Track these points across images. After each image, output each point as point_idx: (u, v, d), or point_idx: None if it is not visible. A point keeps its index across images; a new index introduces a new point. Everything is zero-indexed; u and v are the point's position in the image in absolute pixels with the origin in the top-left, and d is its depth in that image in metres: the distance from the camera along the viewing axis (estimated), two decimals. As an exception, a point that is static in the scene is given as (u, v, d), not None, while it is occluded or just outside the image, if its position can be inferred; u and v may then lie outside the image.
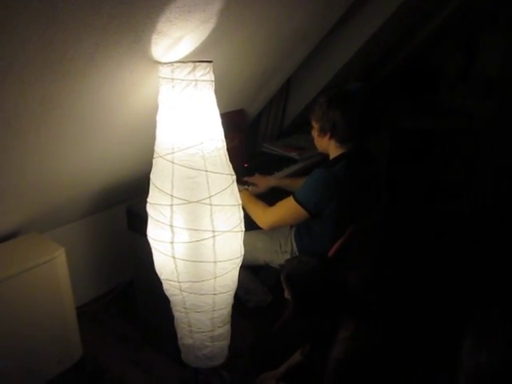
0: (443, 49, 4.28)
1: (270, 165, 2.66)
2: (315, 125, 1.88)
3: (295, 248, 2.00)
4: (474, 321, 0.77)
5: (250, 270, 2.22)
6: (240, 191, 1.96)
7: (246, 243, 1.54)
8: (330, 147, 1.88)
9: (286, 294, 1.57)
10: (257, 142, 3.04)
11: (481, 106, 3.98)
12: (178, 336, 1.66)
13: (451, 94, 4.27)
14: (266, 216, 1.86)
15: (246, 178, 2.24)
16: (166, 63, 1.33)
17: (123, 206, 2.03)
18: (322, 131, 1.84)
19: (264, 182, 2.20)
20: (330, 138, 1.84)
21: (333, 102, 1.79)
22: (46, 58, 1.12)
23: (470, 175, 3.95)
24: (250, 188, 2.17)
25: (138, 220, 1.87)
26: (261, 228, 1.94)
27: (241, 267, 1.58)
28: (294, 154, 2.78)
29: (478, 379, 0.71)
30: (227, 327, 1.64)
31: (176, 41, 1.37)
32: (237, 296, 1.62)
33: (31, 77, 1.15)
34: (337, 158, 1.85)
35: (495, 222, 3.41)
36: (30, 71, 1.13)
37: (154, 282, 1.60)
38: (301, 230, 1.99)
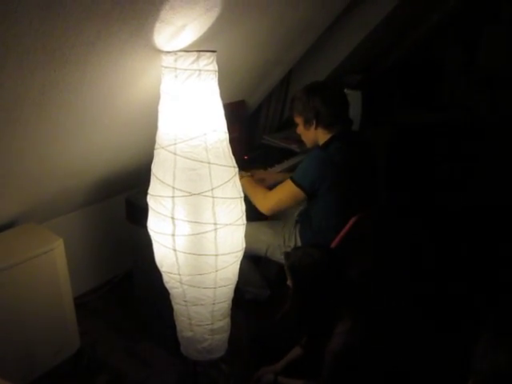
0: (444, 43, 4.25)
1: (269, 157, 2.65)
2: (299, 119, 1.94)
3: (299, 244, 2.00)
4: (488, 321, 0.75)
5: (251, 261, 2.21)
6: (243, 177, 1.96)
7: (249, 234, 1.54)
8: (318, 136, 1.92)
9: (289, 282, 1.57)
10: (256, 134, 3.02)
11: (481, 101, 3.96)
12: (178, 328, 1.65)
13: (452, 88, 4.25)
14: (266, 200, 1.89)
15: (252, 173, 2.23)
16: (168, 52, 1.30)
17: (122, 196, 2.01)
18: (307, 122, 1.90)
19: (272, 178, 2.19)
20: (316, 126, 1.89)
21: (310, 92, 1.88)
22: (47, 44, 1.09)
23: (470, 170, 3.94)
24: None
25: (137, 211, 1.85)
26: (264, 219, 1.93)
27: (242, 258, 1.57)
28: (294, 147, 2.76)
29: (496, 379, 0.70)
30: (227, 320, 1.63)
31: (179, 29, 1.34)
32: (235, 286, 1.61)
33: (31, 64, 1.12)
34: (328, 141, 1.89)
35: (494, 217, 3.41)
36: (30, 58, 1.10)
37: (153, 273, 1.58)
38: (304, 223, 1.99)
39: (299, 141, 2.80)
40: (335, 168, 1.80)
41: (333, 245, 1.84)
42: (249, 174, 2.08)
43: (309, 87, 1.92)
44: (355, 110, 3.10)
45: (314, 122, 1.88)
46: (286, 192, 1.87)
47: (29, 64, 1.12)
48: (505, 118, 3.73)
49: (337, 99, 1.90)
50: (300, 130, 1.97)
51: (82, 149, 1.71)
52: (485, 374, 0.72)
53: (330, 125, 1.88)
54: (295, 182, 1.84)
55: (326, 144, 1.88)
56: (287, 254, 1.59)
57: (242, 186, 1.92)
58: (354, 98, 3.09)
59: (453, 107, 4.15)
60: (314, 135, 1.93)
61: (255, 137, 3.01)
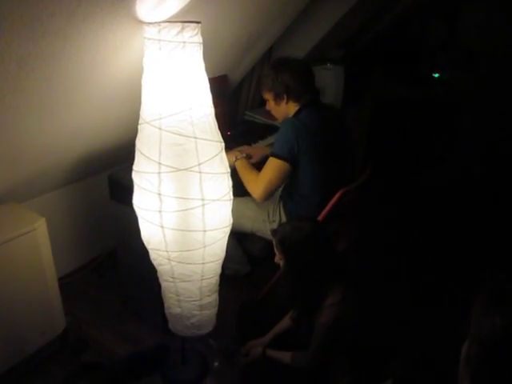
0: (424, 18, 4.25)
1: (252, 133, 2.63)
2: (269, 95, 1.97)
3: (284, 218, 2.01)
4: (484, 285, 0.76)
5: (233, 237, 2.20)
6: (238, 159, 1.94)
7: (234, 210, 1.52)
8: (289, 110, 1.95)
9: (277, 259, 1.57)
10: (239, 110, 2.98)
11: (461, 77, 3.99)
12: (166, 305, 1.64)
13: (431, 64, 4.27)
14: (257, 186, 1.87)
15: (239, 149, 2.20)
16: (152, 23, 1.26)
17: (105, 174, 1.97)
18: (278, 97, 1.94)
19: (259, 152, 2.18)
20: (287, 100, 1.93)
21: (278, 67, 1.92)
22: (24, 14, 1.04)
23: (450, 145, 4.00)
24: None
25: (120, 189, 1.82)
26: (249, 195, 1.93)
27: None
28: (276, 122, 2.74)
29: (493, 342, 0.71)
30: (215, 296, 1.63)
31: (161, -1, 1.30)
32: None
33: (8, 34, 1.07)
34: (298, 111, 1.92)
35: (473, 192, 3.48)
36: (6, 29, 1.05)
37: (138, 251, 1.57)
38: (286, 196, 2.00)
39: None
40: (308, 131, 1.83)
41: (319, 219, 1.85)
42: (244, 155, 2.03)
43: (275, 63, 1.97)
44: (338, 85, 3.09)
45: (285, 97, 1.92)
46: (272, 169, 1.86)
47: (5, 34, 1.06)
48: (485, 92, 3.77)
49: (303, 71, 1.94)
50: (270, 105, 2.00)
51: (63, 124, 1.66)
52: (481, 337, 0.73)
53: (300, 97, 1.92)
54: (276, 155, 1.85)
55: (297, 113, 1.92)
56: (274, 231, 1.59)
57: (236, 168, 1.92)
58: (337, 72, 3.08)
59: (432, 83, 4.18)
60: (285, 109, 1.96)
61: (237, 113, 2.98)
